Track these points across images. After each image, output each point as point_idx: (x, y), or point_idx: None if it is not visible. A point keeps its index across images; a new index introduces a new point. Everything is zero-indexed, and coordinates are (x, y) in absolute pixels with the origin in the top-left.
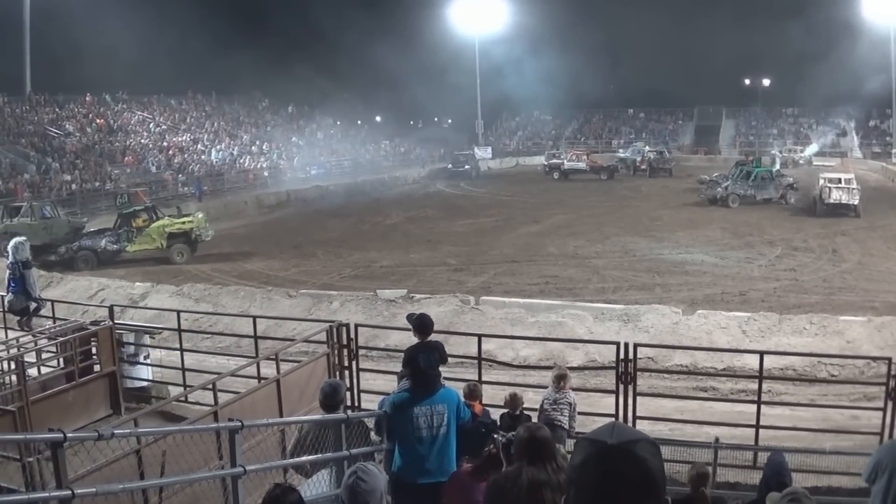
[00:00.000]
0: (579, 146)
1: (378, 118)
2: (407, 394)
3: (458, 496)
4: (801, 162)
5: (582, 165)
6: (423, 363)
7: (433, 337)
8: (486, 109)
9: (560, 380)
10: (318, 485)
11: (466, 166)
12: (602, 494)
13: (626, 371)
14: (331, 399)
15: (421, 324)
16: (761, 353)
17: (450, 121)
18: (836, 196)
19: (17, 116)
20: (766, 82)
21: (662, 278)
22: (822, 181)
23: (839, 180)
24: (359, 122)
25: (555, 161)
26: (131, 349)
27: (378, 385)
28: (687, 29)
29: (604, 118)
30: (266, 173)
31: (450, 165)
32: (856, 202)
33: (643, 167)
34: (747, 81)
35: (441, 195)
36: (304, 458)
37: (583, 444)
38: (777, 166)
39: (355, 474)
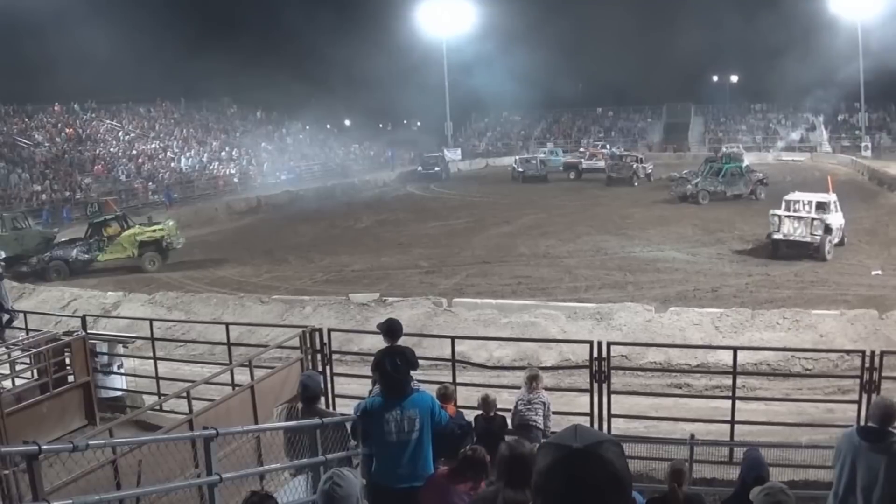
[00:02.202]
0: (548, 144)
1: (347, 122)
2: (379, 399)
3: (435, 499)
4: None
5: (600, 164)
6: (390, 367)
7: (407, 340)
8: (455, 111)
9: (532, 380)
10: (295, 490)
11: (436, 168)
12: (570, 499)
13: (599, 370)
14: (310, 391)
15: (389, 328)
16: (735, 349)
17: (419, 123)
18: (788, 229)
19: None
20: (734, 78)
21: (634, 276)
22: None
23: (798, 205)
24: (328, 126)
25: (572, 160)
26: (105, 359)
27: (352, 389)
28: (654, 26)
29: (573, 117)
30: (236, 179)
31: (420, 168)
32: (817, 238)
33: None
34: (715, 77)
35: (411, 198)
36: (280, 466)
37: (547, 448)
38: (745, 162)
39: (331, 479)
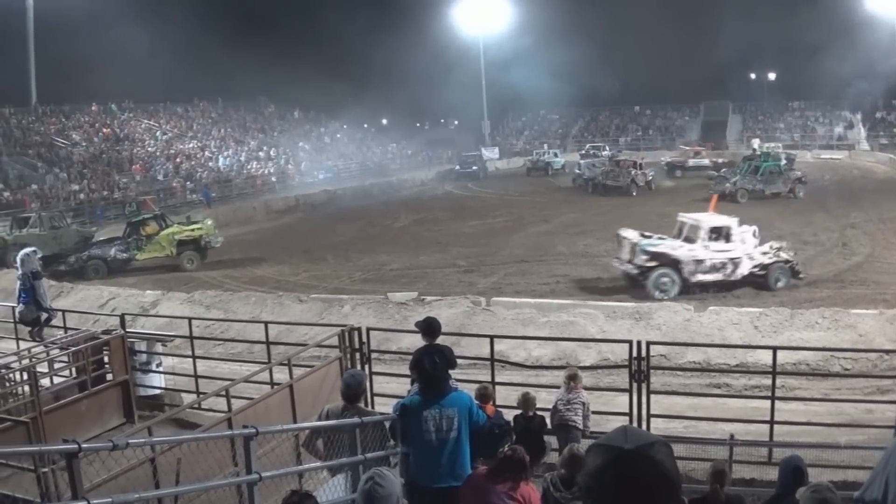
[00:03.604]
0: (586, 143)
1: (384, 121)
2: (417, 397)
3: (474, 499)
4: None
5: (705, 162)
6: (428, 366)
7: (446, 339)
8: (493, 109)
9: (571, 380)
10: (335, 489)
11: (474, 167)
12: (622, 500)
13: (639, 369)
14: (352, 389)
15: (427, 327)
16: (774, 349)
17: (456, 122)
18: (622, 256)
19: (24, 127)
20: (772, 75)
21: None
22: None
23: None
24: (365, 125)
25: (677, 159)
26: (143, 357)
27: (391, 388)
28: (691, 23)
29: (610, 116)
30: (274, 178)
31: (457, 167)
32: (633, 271)
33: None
34: (753, 75)
35: (449, 196)
36: (320, 465)
37: (597, 450)
38: (782, 160)
39: (372, 479)
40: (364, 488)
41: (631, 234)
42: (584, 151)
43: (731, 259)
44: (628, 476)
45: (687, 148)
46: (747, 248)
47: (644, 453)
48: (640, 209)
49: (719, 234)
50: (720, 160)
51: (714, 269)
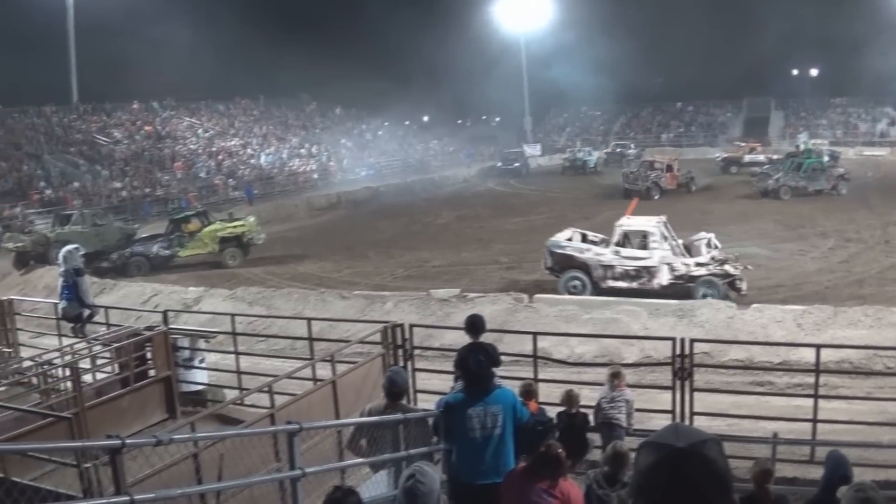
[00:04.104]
0: (628, 140)
1: (426, 118)
2: (461, 395)
3: (513, 496)
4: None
5: (761, 158)
6: (473, 363)
7: (488, 336)
8: (535, 106)
9: (615, 377)
10: (377, 486)
11: (516, 164)
12: (674, 499)
13: (682, 367)
14: (396, 387)
15: (472, 324)
16: (817, 347)
17: (498, 118)
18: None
19: (65, 126)
20: (814, 72)
21: None
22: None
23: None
24: (407, 122)
25: (733, 155)
26: (186, 353)
27: (433, 385)
28: (733, 19)
29: (652, 112)
30: (316, 176)
31: (499, 163)
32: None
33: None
34: (795, 71)
35: (491, 193)
36: (363, 461)
37: (649, 448)
38: (826, 157)
39: (413, 477)
40: (406, 486)
41: (561, 235)
42: (609, 150)
43: (646, 267)
44: (681, 474)
45: (743, 144)
46: (668, 256)
47: (696, 451)
48: (684, 206)
49: (634, 239)
50: (775, 156)
51: (627, 276)
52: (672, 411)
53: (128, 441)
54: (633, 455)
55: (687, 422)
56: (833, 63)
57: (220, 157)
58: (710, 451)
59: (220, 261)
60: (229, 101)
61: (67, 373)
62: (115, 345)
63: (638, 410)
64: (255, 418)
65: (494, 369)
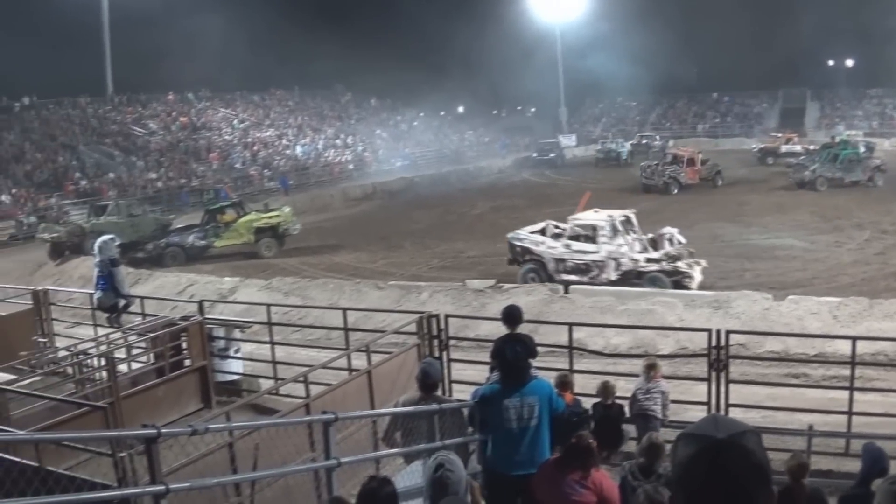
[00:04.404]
0: (664, 131)
1: (461, 108)
2: (497, 385)
3: (546, 488)
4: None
5: (798, 148)
6: (510, 354)
7: (524, 326)
8: (570, 96)
9: (650, 369)
10: (412, 476)
11: (551, 154)
12: (714, 490)
13: (717, 358)
14: (431, 378)
15: (509, 315)
16: (853, 339)
17: (533, 109)
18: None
19: (101, 117)
20: (850, 63)
21: (752, 264)
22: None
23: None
24: (442, 112)
25: (770, 146)
26: (221, 343)
27: (469, 375)
28: (768, 8)
29: (688, 103)
30: (351, 166)
31: (535, 154)
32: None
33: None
34: (831, 62)
35: (527, 184)
36: (398, 451)
37: (687, 439)
38: (862, 148)
39: (442, 467)
40: (435, 477)
41: (535, 226)
42: (635, 141)
43: (595, 261)
44: (721, 466)
45: (779, 135)
46: (616, 251)
47: (736, 442)
48: (720, 197)
49: (585, 234)
50: (812, 147)
51: (578, 270)
52: (708, 403)
53: (163, 430)
54: (668, 447)
55: (722, 413)
56: (868, 54)
57: (255, 148)
58: (750, 442)
59: (255, 251)
60: (264, 91)
61: (103, 362)
62: (151, 335)
63: (673, 402)
64: (291, 408)
65: (531, 360)
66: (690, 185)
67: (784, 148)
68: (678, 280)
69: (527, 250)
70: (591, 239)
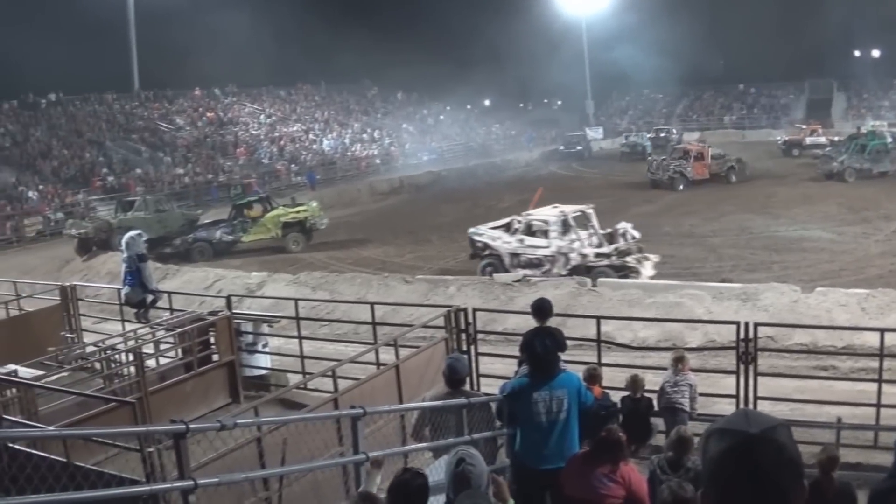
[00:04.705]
0: (690, 123)
1: (487, 102)
2: (526, 379)
3: (575, 481)
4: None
5: (822, 140)
6: (539, 348)
7: (551, 320)
8: (596, 89)
9: (678, 362)
10: (440, 471)
11: (578, 147)
12: (747, 486)
13: (746, 351)
14: (458, 374)
15: (539, 308)
16: (882, 331)
17: (559, 102)
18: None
19: (127, 113)
20: (876, 53)
21: (780, 256)
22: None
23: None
24: (468, 106)
25: (794, 138)
26: (249, 338)
27: (497, 369)
28: (795, 0)
29: (714, 94)
30: (378, 160)
31: (562, 147)
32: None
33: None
34: (857, 52)
35: (554, 177)
36: (426, 445)
37: (719, 435)
38: (889, 139)
39: (464, 461)
40: (458, 471)
41: (483, 226)
42: (652, 134)
43: (546, 256)
44: (754, 461)
45: (804, 126)
46: (566, 246)
47: (770, 437)
48: (747, 189)
49: (537, 229)
50: (836, 138)
51: (531, 264)
52: (736, 396)
53: (192, 426)
54: (696, 440)
55: (751, 406)
56: (895, 44)
57: (282, 143)
58: (782, 436)
59: (283, 246)
60: (291, 86)
61: (131, 358)
62: (179, 330)
63: (701, 395)
64: (319, 402)
65: (560, 354)
66: (700, 181)
67: (808, 140)
68: (625, 275)
69: (486, 245)
70: (544, 234)
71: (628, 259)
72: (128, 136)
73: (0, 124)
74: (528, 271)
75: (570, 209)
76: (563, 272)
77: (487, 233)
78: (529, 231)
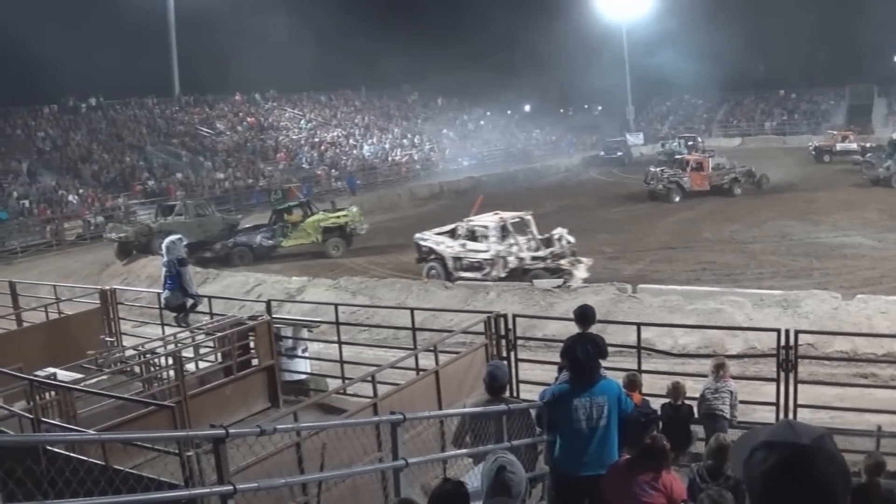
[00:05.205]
0: (732, 128)
1: (527, 107)
2: (567, 385)
3: (616, 489)
4: None
5: (853, 146)
6: (581, 354)
7: (593, 327)
8: (637, 94)
9: (719, 368)
10: (479, 478)
11: (619, 153)
12: (801, 497)
13: (787, 358)
14: (499, 381)
15: (582, 314)
16: None
17: (600, 107)
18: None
19: (167, 117)
20: None
21: (820, 262)
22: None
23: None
24: (509, 111)
25: (825, 144)
26: (289, 343)
27: (536, 375)
28: (835, 4)
29: (755, 100)
30: (418, 166)
31: (602, 152)
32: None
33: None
34: None
35: (594, 183)
36: (465, 451)
37: (767, 448)
38: None
39: (504, 469)
40: (499, 479)
41: (428, 231)
42: (675, 143)
43: (485, 259)
44: (808, 471)
45: (835, 132)
46: (503, 250)
47: (820, 447)
48: (788, 195)
49: (477, 234)
50: (867, 144)
51: (472, 267)
52: (776, 403)
53: (232, 431)
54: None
55: (791, 414)
56: None
57: (322, 148)
58: (830, 444)
59: (322, 251)
60: (331, 91)
61: (170, 361)
62: (219, 334)
63: (741, 402)
64: (358, 408)
65: (601, 360)
66: (699, 193)
67: (839, 146)
68: (559, 276)
69: (430, 250)
70: (484, 239)
71: (562, 262)
72: (168, 141)
73: (41, 128)
74: (469, 274)
75: (509, 215)
76: (503, 274)
77: (432, 238)
78: (471, 236)
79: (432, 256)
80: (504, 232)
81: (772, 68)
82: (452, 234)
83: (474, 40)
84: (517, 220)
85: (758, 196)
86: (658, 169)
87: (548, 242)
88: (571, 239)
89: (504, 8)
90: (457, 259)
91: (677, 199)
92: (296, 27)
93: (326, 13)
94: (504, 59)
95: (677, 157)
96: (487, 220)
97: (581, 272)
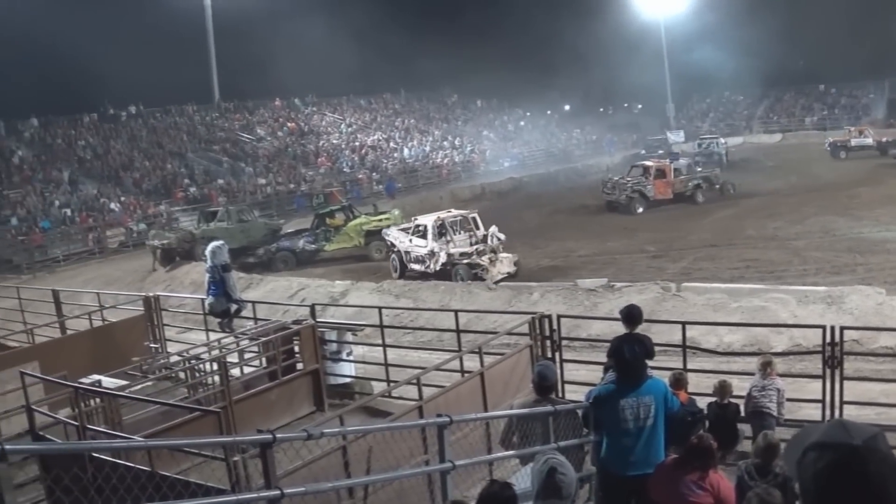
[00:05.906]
0: (772, 125)
1: (567, 107)
2: (613, 386)
3: (663, 488)
4: None
5: (869, 141)
6: (628, 354)
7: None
8: (676, 92)
9: (766, 366)
10: (526, 478)
11: (659, 151)
12: (856, 497)
13: (832, 355)
14: (548, 381)
15: (629, 314)
16: None
17: (640, 106)
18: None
19: (208, 124)
20: None
21: (864, 258)
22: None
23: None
24: (548, 112)
25: (840, 139)
26: (334, 346)
27: (581, 375)
28: None
29: (795, 95)
30: (459, 168)
31: (643, 151)
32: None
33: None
34: None
35: None
36: (513, 453)
37: (820, 449)
38: None
39: (556, 470)
40: (550, 481)
41: (392, 228)
42: (697, 143)
43: (424, 254)
44: (863, 471)
45: (851, 128)
46: (437, 245)
47: (873, 446)
48: (829, 190)
49: (421, 231)
50: (885, 139)
51: (419, 260)
52: (822, 400)
53: (279, 435)
54: (783, 446)
55: (837, 412)
56: None
57: (363, 152)
58: (883, 444)
59: (365, 254)
60: (371, 95)
61: (215, 367)
62: (263, 339)
63: (788, 400)
64: (404, 411)
65: (647, 361)
66: (663, 201)
67: (854, 141)
68: (477, 273)
69: (392, 244)
70: (424, 236)
71: (482, 259)
72: (209, 148)
73: (81, 137)
74: (417, 266)
75: (449, 215)
76: (438, 268)
77: (394, 234)
78: (418, 233)
79: (394, 250)
80: (441, 229)
81: (811, 63)
82: (408, 231)
83: (512, 41)
84: (459, 218)
85: (802, 192)
86: (616, 178)
87: (485, 239)
88: (501, 236)
89: (542, 8)
90: (407, 253)
91: (640, 209)
92: (334, 31)
93: (364, 16)
94: (543, 59)
95: (635, 164)
96: (427, 219)
97: (505, 267)
